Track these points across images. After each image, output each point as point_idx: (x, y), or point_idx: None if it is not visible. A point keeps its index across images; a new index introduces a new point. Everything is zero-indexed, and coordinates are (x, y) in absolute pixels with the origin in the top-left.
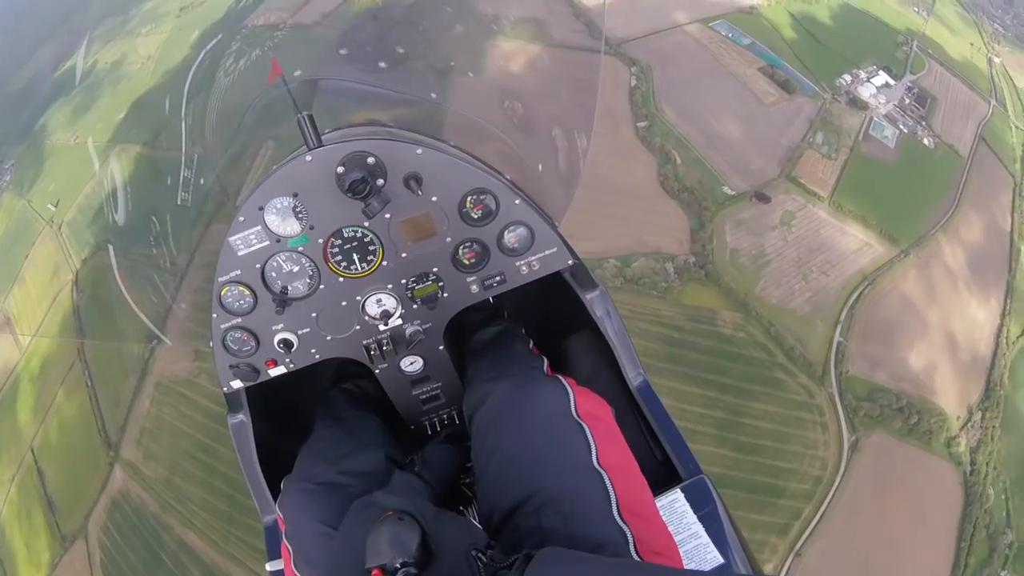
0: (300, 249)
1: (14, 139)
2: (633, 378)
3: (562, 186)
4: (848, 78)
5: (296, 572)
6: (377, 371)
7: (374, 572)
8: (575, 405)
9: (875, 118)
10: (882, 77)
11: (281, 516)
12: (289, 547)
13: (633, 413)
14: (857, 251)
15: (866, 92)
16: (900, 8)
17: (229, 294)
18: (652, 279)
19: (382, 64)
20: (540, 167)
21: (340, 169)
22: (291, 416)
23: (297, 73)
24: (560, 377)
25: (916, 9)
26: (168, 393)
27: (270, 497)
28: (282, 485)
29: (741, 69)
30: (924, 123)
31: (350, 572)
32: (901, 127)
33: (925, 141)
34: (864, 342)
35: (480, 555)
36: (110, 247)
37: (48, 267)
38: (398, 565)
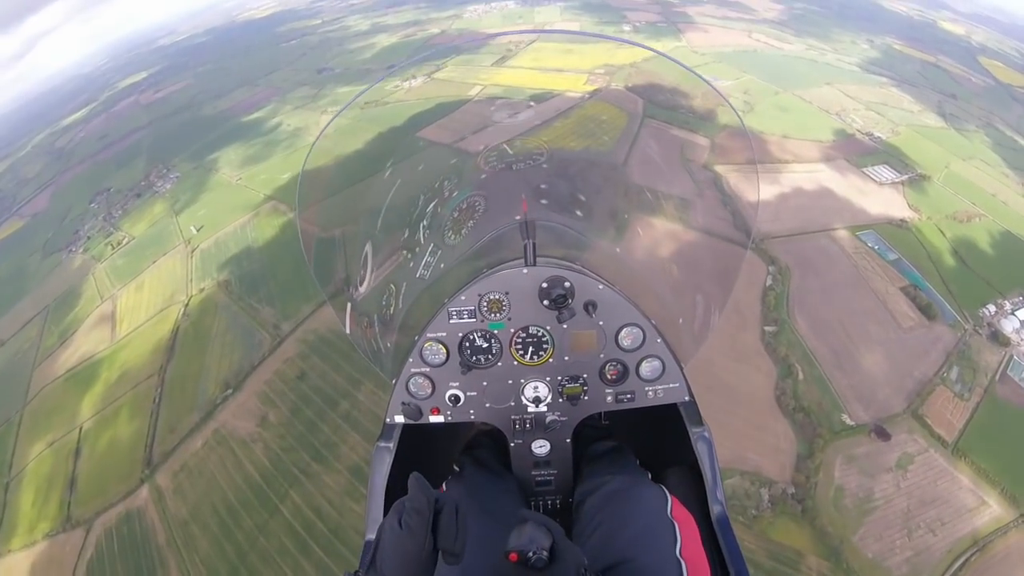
0: (496, 332)
1: (189, 157)
2: (716, 509)
3: (692, 339)
4: (992, 308)
5: None
6: (513, 444)
7: (512, 555)
8: (671, 508)
9: (1016, 356)
10: None
11: None
12: None
13: (710, 539)
14: (973, 510)
15: (1009, 326)
16: None
17: (429, 348)
18: (742, 503)
19: (578, 213)
20: (681, 320)
21: (544, 284)
22: (419, 463)
23: (517, 218)
24: (661, 485)
25: None
26: (221, 443)
27: (382, 516)
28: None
29: (883, 286)
30: None
31: (485, 566)
32: None
33: None
34: None
35: (587, 572)
36: (348, 304)
37: (168, 281)
38: (532, 553)
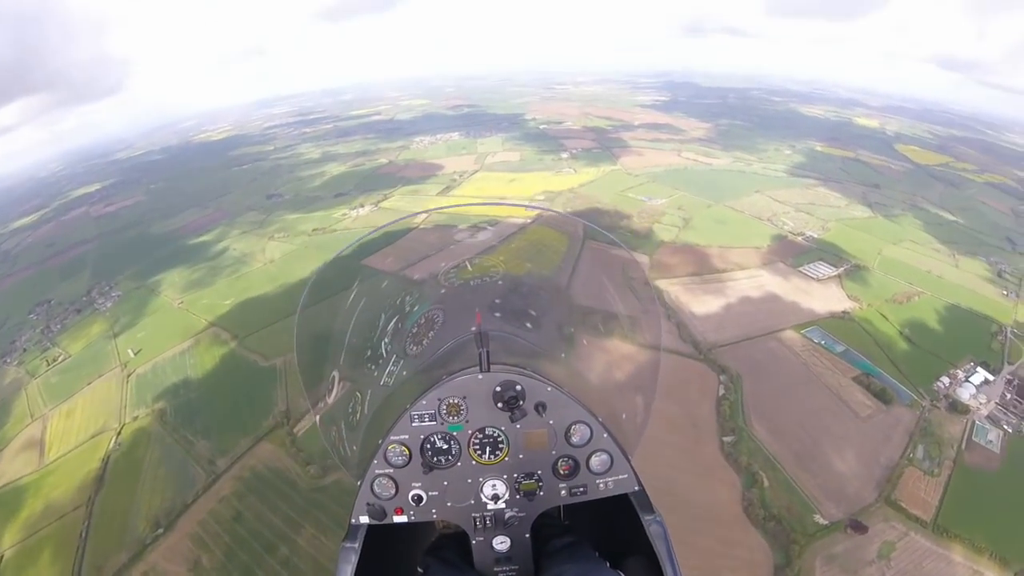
0: (455, 434)
1: (133, 275)
2: None
3: (634, 432)
4: (946, 380)
5: None
6: (475, 541)
7: None
8: None
9: (977, 421)
10: (980, 374)
11: None
12: None
13: None
14: None
15: (965, 393)
16: (990, 296)
17: (393, 450)
18: None
19: (528, 325)
20: (624, 416)
21: (498, 388)
22: (383, 563)
23: (472, 329)
24: (619, 572)
25: (1005, 293)
26: None
27: None
28: None
29: (835, 379)
30: None
31: None
32: (1005, 427)
33: None
34: None
35: None
36: (317, 418)
37: (102, 405)
38: None
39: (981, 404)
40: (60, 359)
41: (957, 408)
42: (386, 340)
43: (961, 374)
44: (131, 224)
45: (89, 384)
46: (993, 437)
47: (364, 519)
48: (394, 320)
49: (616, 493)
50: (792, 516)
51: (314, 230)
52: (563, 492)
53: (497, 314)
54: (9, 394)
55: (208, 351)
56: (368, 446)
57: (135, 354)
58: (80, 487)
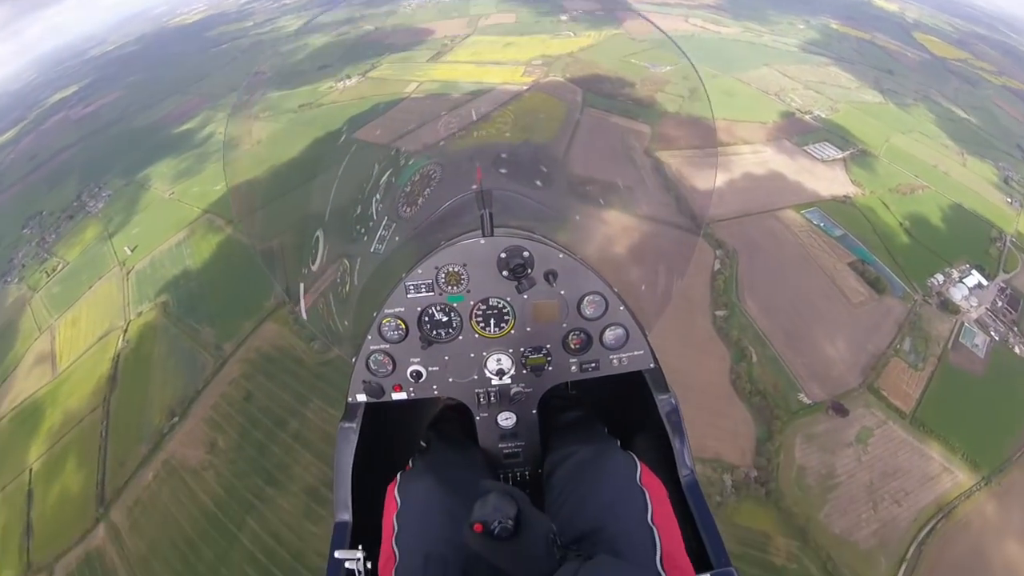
0: (455, 305)
1: (120, 173)
2: (684, 474)
3: (654, 307)
4: (940, 278)
5: (395, 548)
6: (478, 417)
7: (476, 526)
8: (640, 474)
9: (966, 323)
10: (975, 277)
11: (396, 499)
12: (396, 524)
13: (680, 504)
14: (935, 477)
15: (958, 294)
16: (994, 201)
17: (388, 324)
18: (706, 490)
19: (538, 183)
20: (643, 287)
21: (503, 255)
22: (384, 440)
23: (474, 187)
24: (630, 452)
25: (1009, 200)
26: (172, 475)
27: (350, 497)
28: (400, 476)
29: (831, 263)
30: (1016, 329)
31: (454, 540)
32: (992, 334)
33: (1016, 349)
34: None
35: (556, 539)
36: (301, 285)
37: (106, 307)
38: (496, 523)
39: (972, 307)
40: (59, 268)
41: (948, 307)
42: (377, 197)
43: (956, 274)
44: (112, 122)
45: (90, 288)
46: (980, 342)
47: (361, 397)
48: (387, 174)
49: (631, 370)
50: (777, 393)
51: (300, 106)
52: (573, 368)
53: (502, 170)
54: (15, 313)
55: (204, 239)
56: (361, 320)
57: (132, 251)
58: (94, 390)
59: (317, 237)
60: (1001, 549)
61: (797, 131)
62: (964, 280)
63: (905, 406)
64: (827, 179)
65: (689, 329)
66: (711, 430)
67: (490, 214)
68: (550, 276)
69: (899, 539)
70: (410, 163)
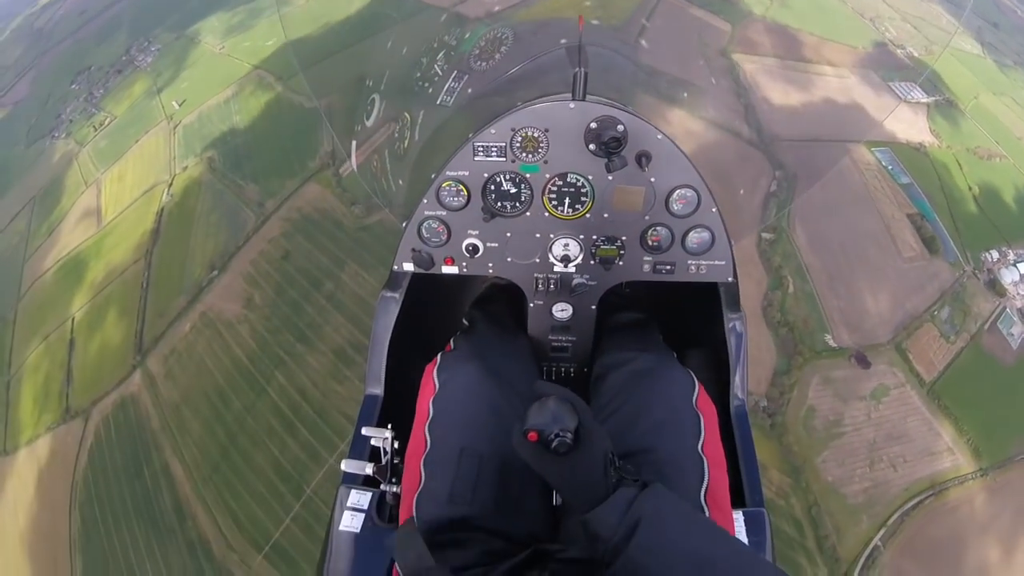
0: (528, 176)
1: (170, 27)
2: (736, 403)
3: (749, 218)
4: (995, 254)
5: (427, 434)
6: (532, 304)
7: (531, 434)
8: (697, 396)
9: (1008, 310)
10: None
11: (435, 382)
12: (431, 409)
13: (725, 432)
14: (937, 454)
15: (1008, 277)
16: None
17: (448, 189)
18: None
19: (643, 43)
20: (742, 192)
21: (593, 125)
22: (425, 315)
23: (563, 41)
24: (689, 371)
25: None
26: (209, 326)
27: (383, 371)
28: (440, 357)
29: (890, 210)
30: None
31: (494, 437)
32: None
33: None
34: (901, 555)
35: (615, 458)
36: (353, 142)
37: (152, 160)
38: (554, 435)
39: (1019, 294)
40: (106, 123)
41: (995, 287)
42: (441, 55)
43: (1012, 255)
44: None
45: (137, 142)
46: (1016, 332)
47: (408, 267)
48: (453, 33)
49: (708, 280)
50: (805, 329)
51: None
52: (646, 267)
53: (596, 21)
54: (61, 168)
55: (253, 96)
56: (418, 182)
57: (179, 106)
58: (138, 243)
59: (373, 93)
60: (980, 545)
61: (886, 64)
62: (1018, 264)
63: (928, 374)
64: (906, 121)
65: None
66: None
67: (585, 74)
68: (643, 159)
69: (886, 503)
70: (469, 34)
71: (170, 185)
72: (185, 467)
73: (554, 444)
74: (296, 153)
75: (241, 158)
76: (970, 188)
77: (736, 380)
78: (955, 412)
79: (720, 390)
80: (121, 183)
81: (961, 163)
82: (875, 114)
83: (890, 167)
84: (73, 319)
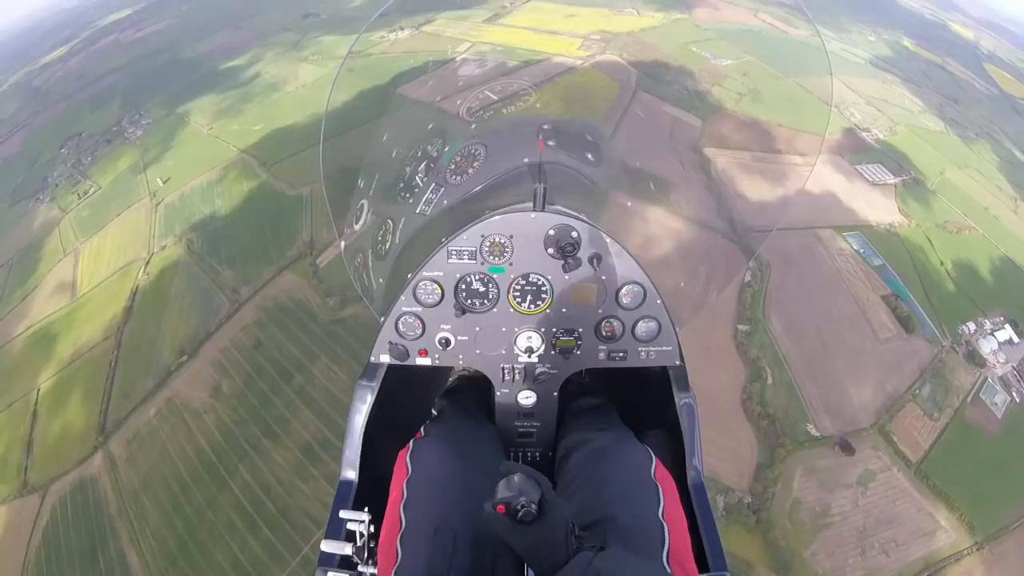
0: (495, 276)
1: (162, 102)
2: (692, 474)
3: (690, 306)
4: (972, 326)
5: (402, 515)
6: (499, 393)
7: (500, 507)
8: (654, 469)
9: (989, 379)
10: (1007, 332)
11: (408, 466)
12: (405, 491)
13: (685, 503)
14: (929, 533)
15: (987, 347)
16: None
17: (424, 287)
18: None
19: (589, 156)
20: (682, 284)
21: (552, 232)
22: (397, 404)
23: (525, 160)
24: (646, 446)
25: None
26: (174, 413)
27: (358, 457)
28: (412, 443)
29: (864, 293)
30: None
31: (466, 514)
32: (1014, 394)
33: None
34: None
35: (574, 527)
36: (342, 243)
37: (131, 236)
38: (520, 506)
39: (999, 363)
40: (91, 192)
41: (975, 359)
42: (420, 173)
43: (988, 325)
44: (161, 50)
45: (119, 215)
46: (1000, 400)
47: (385, 358)
48: (435, 145)
49: (657, 364)
50: (787, 419)
51: (349, 52)
52: (602, 355)
53: (551, 142)
54: (43, 231)
55: (237, 180)
56: (396, 281)
57: (164, 183)
58: (110, 320)
59: (361, 201)
60: None
61: (852, 148)
62: (995, 333)
63: (913, 455)
64: (875, 203)
65: (708, 339)
66: (712, 448)
67: (544, 189)
68: (594, 260)
69: None
70: (455, 141)
71: (147, 263)
72: (141, 558)
73: (520, 514)
74: (275, 240)
75: (219, 241)
76: (942, 264)
77: (692, 454)
78: (945, 489)
79: (678, 464)
80: (99, 256)
81: (932, 240)
82: (844, 198)
83: (862, 251)
84: (38, 390)
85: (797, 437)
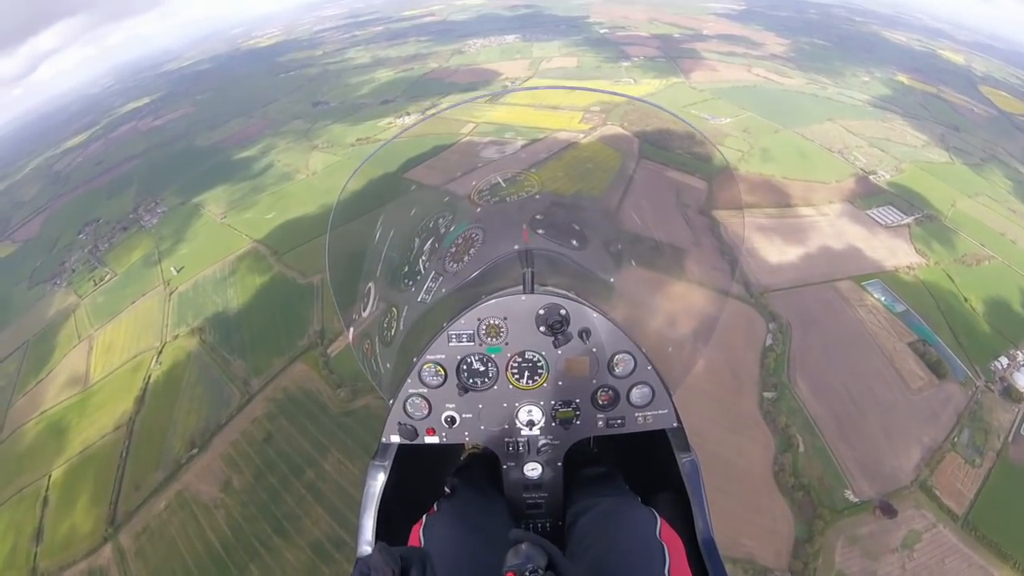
0: (493, 356)
1: (178, 190)
2: (703, 533)
3: (680, 368)
4: (1005, 361)
5: None
6: (505, 466)
7: (509, 573)
8: (660, 529)
9: None
10: None
11: (421, 539)
12: None
13: (697, 562)
14: None
15: (1022, 379)
16: None
17: (428, 370)
18: None
19: (574, 243)
20: (670, 349)
21: (541, 311)
22: (410, 482)
23: (515, 247)
24: (651, 507)
25: None
26: (184, 507)
27: (373, 534)
28: (425, 517)
29: (890, 342)
30: None
31: None
32: None
33: None
34: None
35: None
36: (350, 329)
37: (145, 324)
38: (529, 573)
39: None
40: (107, 278)
41: (1011, 394)
42: (423, 258)
43: (1021, 356)
44: (177, 137)
45: (133, 303)
46: None
47: (395, 438)
48: (431, 240)
49: (654, 428)
50: (822, 488)
51: (357, 140)
52: (600, 423)
53: (540, 231)
54: (58, 316)
55: (249, 269)
56: (402, 365)
57: (177, 272)
58: (122, 409)
59: (368, 290)
60: None
61: (860, 193)
62: None
63: (958, 507)
64: (890, 247)
65: (734, 411)
66: (746, 527)
67: (532, 272)
68: (584, 334)
69: None
70: (452, 229)
71: (159, 352)
72: None
73: None
74: (286, 330)
75: (231, 331)
76: (966, 300)
77: (699, 513)
78: (995, 538)
79: (688, 524)
80: (112, 343)
81: (953, 276)
82: (858, 245)
83: (883, 298)
84: (50, 476)
85: (835, 505)
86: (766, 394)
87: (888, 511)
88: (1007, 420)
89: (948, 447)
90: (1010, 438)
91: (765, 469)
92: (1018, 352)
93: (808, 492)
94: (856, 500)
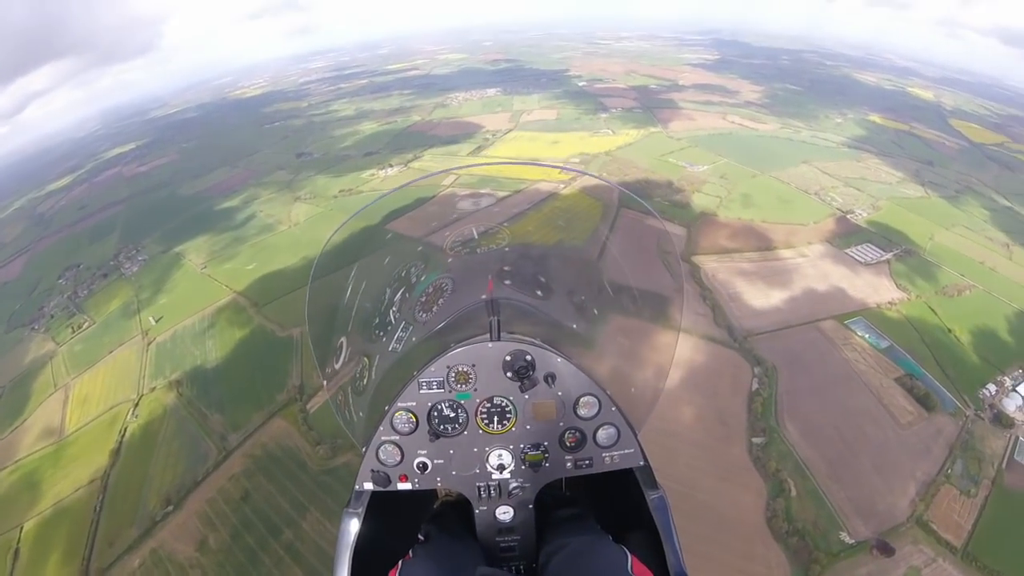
0: (462, 402)
1: (159, 238)
2: (675, 568)
3: (643, 407)
4: (992, 388)
5: None
6: (478, 511)
7: None
8: (631, 566)
9: (1021, 437)
10: None
11: None
12: None
13: None
14: None
15: (1012, 405)
16: None
17: (400, 417)
18: None
19: (539, 292)
20: (632, 390)
21: (508, 357)
22: (384, 530)
23: (483, 296)
24: (621, 545)
25: None
26: (159, 565)
27: None
28: (400, 563)
29: (877, 379)
30: None
31: None
32: None
33: None
34: None
35: None
36: (325, 383)
37: (122, 375)
38: None
39: None
40: (85, 326)
41: (1001, 421)
42: (394, 308)
43: (1008, 382)
44: (161, 184)
45: (111, 353)
46: None
47: (368, 485)
48: (402, 290)
49: (622, 467)
50: (817, 532)
51: (340, 192)
52: (569, 464)
53: (507, 281)
54: (35, 363)
55: (229, 321)
56: (375, 413)
57: (156, 321)
58: (97, 462)
59: (341, 343)
60: None
61: (839, 232)
62: (1018, 388)
63: (956, 539)
64: (870, 284)
65: (723, 458)
66: None
67: (498, 321)
68: (549, 378)
69: None
70: (423, 279)
71: (136, 404)
72: None
73: None
74: (264, 384)
75: (209, 384)
76: (950, 331)
77: (669, 547)
78: (995, 567)
79: (660, 561)
80: (89, 394)
81: (935, 308)
82: (839, 285)
83: (867, 335)
84: (22, 528)
85: (831, 549)
86: (755, 439)
87: (885, 550)
88: (1000, 447)
89: (942, 479)
90: (1004, 464)
91: (758, 516)
92: (1005, 378)
93: (803, 537)
94: (852, 541)
